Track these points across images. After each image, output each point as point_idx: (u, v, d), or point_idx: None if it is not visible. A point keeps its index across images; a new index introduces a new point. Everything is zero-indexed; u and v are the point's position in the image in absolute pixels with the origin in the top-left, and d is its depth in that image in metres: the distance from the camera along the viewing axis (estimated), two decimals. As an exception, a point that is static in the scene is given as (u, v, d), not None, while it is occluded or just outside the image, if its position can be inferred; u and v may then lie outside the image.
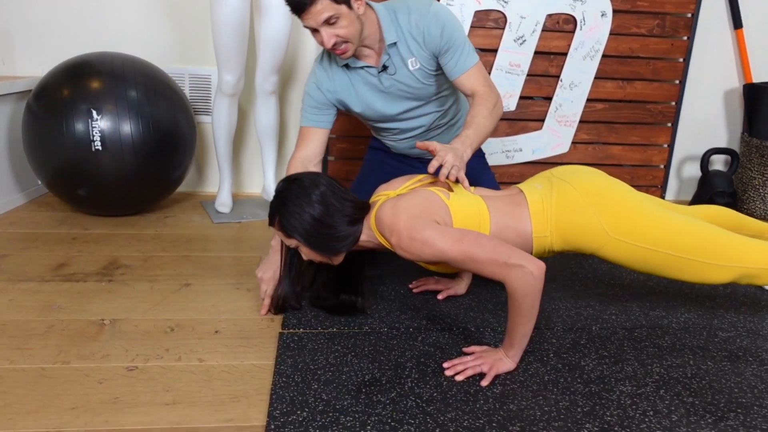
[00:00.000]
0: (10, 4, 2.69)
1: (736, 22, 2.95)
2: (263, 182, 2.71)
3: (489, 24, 2.78)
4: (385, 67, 1.84)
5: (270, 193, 2.68)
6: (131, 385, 1.35)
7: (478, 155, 2.18)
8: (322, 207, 1.51)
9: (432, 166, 1.54)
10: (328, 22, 1.65)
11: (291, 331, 1.62)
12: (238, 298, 1.83)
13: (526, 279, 1.34)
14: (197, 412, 1.27)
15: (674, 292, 1.97)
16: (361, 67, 1.85)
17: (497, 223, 1.54)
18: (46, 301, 1.74)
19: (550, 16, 2.80)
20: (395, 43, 1.81)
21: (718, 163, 3.20)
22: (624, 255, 1.54)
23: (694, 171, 3.18)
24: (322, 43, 1.70)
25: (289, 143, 2.95)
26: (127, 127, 2.28)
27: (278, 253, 1.72)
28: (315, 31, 1.69)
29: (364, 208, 1.58)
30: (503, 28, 2.79)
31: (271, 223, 1.58)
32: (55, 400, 1.29)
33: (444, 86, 1.96)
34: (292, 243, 1.56)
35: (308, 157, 1.89)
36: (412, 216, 1.46)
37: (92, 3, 2.70)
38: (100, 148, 2.25)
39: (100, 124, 2.25)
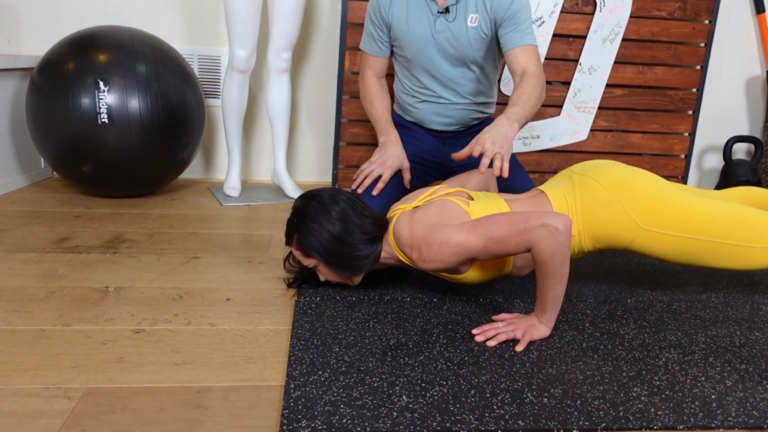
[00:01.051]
0: (16, -19, 2.62)
1: (759, 7, 2.88)
2: (274, 165, 2.62)
3: (506, 5, 2.70)
4: (447, 10, 1.86)
5: (281, 177, 2.58)
6: (137, 347, 1.25)
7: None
8: (342, 224, 1.43)
9: (462, 154, 1.48)
10: None
11: (308, 299, 1.52)
12: (250, 270, 1.73)
13: (551, 236, 1.25)
14: (209, 371, 1.17)
15: (709, 272, 1.87)
16: None
17: None
18: (47, 270, 1.64)
19: (569, -3, 2.73)
20: None
21: (740, 152, 3.11)
22: (658, 246, 1.44)
23: (715, 161, 3.08)
24: None
25: (300, 127, 2.86)
26: (134, 102, 2.19)
27: (395, 143, 1.77)
28: None
29: (384, 225, 1.50)
30: (521, 10, 2.71)
31: (288, 242, 1.50)
32: (54, 359, 1.19)
33: (487, 66, 1.96)
34: (310, 263, 1.48)
35: (378, 75, 2.05)
36: (427, 224, 1.39)
37: (100, -19, 2.64)
38: (106, 121, 2.16)
39: (107, 96, 2.16)
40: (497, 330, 1.34)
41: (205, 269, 1.71)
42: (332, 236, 1.42)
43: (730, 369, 1.26)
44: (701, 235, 1.41)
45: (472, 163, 2.00)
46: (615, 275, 1.80)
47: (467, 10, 1.88)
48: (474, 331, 1.36)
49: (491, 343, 1.31)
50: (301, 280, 1.60)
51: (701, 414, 1.09)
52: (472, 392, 1.12)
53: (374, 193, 1.86)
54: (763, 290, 1.73)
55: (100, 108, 2.15)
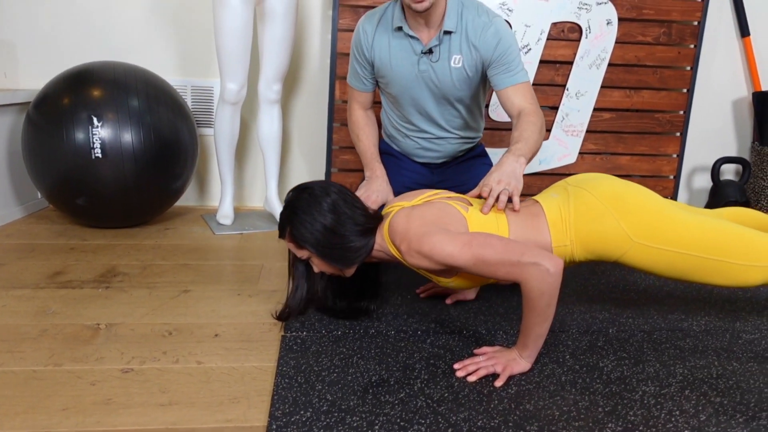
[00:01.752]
0: (14, 16, 2.68)
1: (744, 30, 2.93)
2: (266, 193, 2.66)
3: (494, 33, 2.75)
4: (430, 51, 1.87)
5: (272, 205, 2.62)
6: (125, 387, 1.28)
7: (486, 167, 2.12)
8: (333, 216, 1.45)
9: (472, 194, 1.54)
10: None
11: (294, 334, 1.55)
12: (239, 303, 1.76)
13: (542, 277, 1.28)
14: (195, 412, 1.20)
15: (693, 297, 1.90)
16: (411, 36, 1.88)
17: (516, 237, 1.47)
18: (40, 307, 1.67)
19: (554, 24, 2.78)
20: (451, 33, 1.85)
21: (729, 172, 3.15)
22: (649, 260, 1.46)
23: (704, 181, 3.12)
24: None
25: (292, 154, 2.91)
26: (127, 136, 2.24)
27: (380, 179, 1.79)
28: None
29: (376, 218, 1.53)
30: (508, 37, 2.76)
31: (281, 235, 1.52)
32: (45, 401, 1.22)
33: (472, 102, 2.00)
34: (303, 254, 1.50)
35: (364, 107, 2.09)
36: (425, 222, 1.41)
37: (95, 16, 2.69)
38: (100, 155, 2.21)
39: (101, 131, 2.21)
40: (478, 365, 1.37)
41: (195, 303, 1.75)
42: (324, 228, 1.44)
43: (705, 402, 1.29)
44: (692, 250, 1.43)
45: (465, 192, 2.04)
46: (599, 303, 1.83)
47: (451, 51, 1.88)
48: (455, 366, 1.39)
49: (471, 379, 1.34)
50: (288, 313, 1.62)
51: (673, 450, 1.11)
52: (450, 431, 1.15)
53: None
54: (744, 317, 1.75)
55: (93, 143, 2.20)
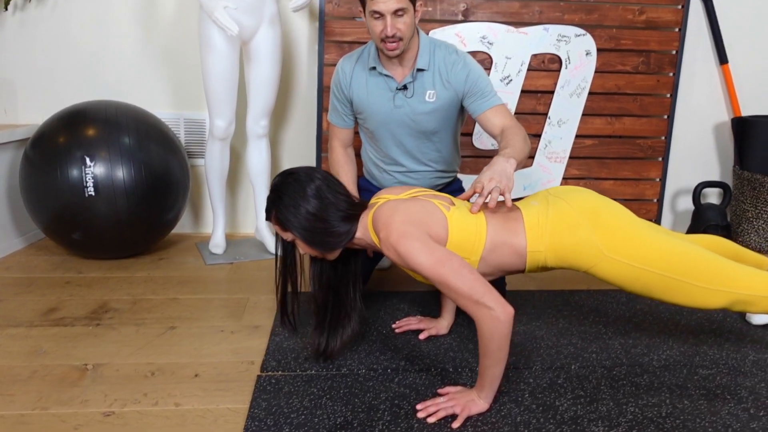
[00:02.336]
0: (13, 54, 2.79)
1: (722, 57, 2.99)
2: (256, 223, 2.75)
3: (476, 65, 2.83)
4: (405, 87, 1.99)
5: (263, 234, 2.72)
6: (106, 431, 1.37)
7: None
8: (317, 201, 1.52)
9: (465, 195, 1.58)
10: (396, 12, 1.84)
11: (269, 373, 1.64)
12: (221, 341, 1.85)
13: (492, 322, 1.36)
14: (167, 457, 1.29)
15: (658, 329, 1.97)
16: (386, 75, 2.00)
17: (493, 239, 1.55)
18: (33, 346, 1.77)
19: (535, 56, 2.86)
20: (424, 70, 1.98)
21: (713, 196, 3.21)
22: (617, 274, 1.52)
23: (688, 204, 3.18)
24: (382, 31, 1.87)
25: (282, 184, 2.99)
26: (119, 173, 2.34)
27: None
28: (380, 17, 1.86)
29: (359, 205, 1.61)
30: (489, 69, 2.84)
31: (267, 218, 1.59)
32: (29, 446, 1.31)
33: (447, 135, 2.09)
34: (288, 237, 1.58)
35: (344, 145, 2.17)
36: (409, 221, 1.47)
37: (91, 53, 2.80)
38: (93, 193, 2.31)
39: (93, 170, 2.31)
40: (438, 406, 1.45)
41: (179, 341, 1.84)
42: (308, 213, 1.51)
43: (650, 443, 1.36)
44: (659, 269, 1.49)
45: None
46: (567, 336, 1.91)
47: (424, 87, 1.99)
48: (418, 407, 1.47)
49: (431, 420, 1.42)
50: (286, 315, 1.70)
51: (611, 493, 1.19)
52: (403, 474, 1.23)
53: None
54: (704, 352, 1.82)
55: (86, 181, 2.30)
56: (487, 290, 1.39)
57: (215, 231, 2.72)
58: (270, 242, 2.69)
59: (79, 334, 1.87)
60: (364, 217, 1.58)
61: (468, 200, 1.63)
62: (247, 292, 2.25)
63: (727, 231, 2.97)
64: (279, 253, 1.66)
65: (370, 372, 1.66)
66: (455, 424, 1.41)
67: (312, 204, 1.52)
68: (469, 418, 1.44)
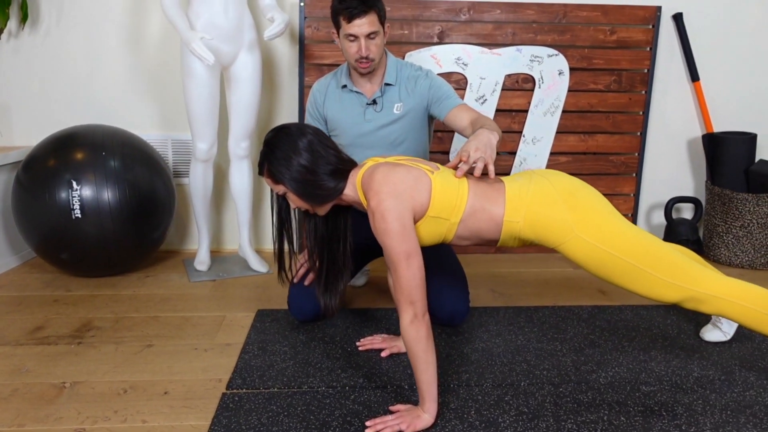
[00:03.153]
0: (8, 78, 2.92)
1: (693, 75, 3.07)
2: (239, 241, 2.86)
3: (451, 85, 2.92)
4: (374, 102, 2.18)
5: (246, 252, 2.83)
6: (75, 447, 1.49)
7: None
8: (308, 154, 1.62)
9: (452, 163, 1.68)
10: (369, 36, 2.05)
11: (234, 391, 1.75)
12: (194, 358, 1.96)
13: (416, 324, 1.51)
14: (128, 472, 1.40)
15: (612, 346, 2.06)
16: (356, 92, 2.20)
17: (473, 205, 1.64)
18: (17, 365, 1.89)
19: (509, 76, 2.95)
20: (391, 85, 2.18)
21: (686, 211, 3.28)
22: (583, 253, 1.61)
23: (661, 219, 3.25)
24: (356, 52, 2.06)
25: (264, 204, 3.11)
26: (105, 195, 2.46)
27: None
28: (353, 39, 2.06)
29: (349, 162, 1.70)
30: (465, 89, 2.94)
31: (260, 172, 1.68)
32: (3, 462, 1.43)
33: (418, 145, 2.24)
34: (279, 189, 1.67)
35: None
36: (396, 193, 1.55)
37: (83, 76, 2.92)
38: (80, 215, 2.43)
39: (81, 193, 2.43)
40: (385, 424, 1.55)
41: (154, 359, 1.95)
42: (299, 165, 1.60)
43: (580, 459, 1.45)
44: (624, 255, 1.59)
45: None
46: (522, 353, 2.00)
47: (392, 100, 2.20)
48: (367, 424, 1.57)
49: (377, 436, 1.53)
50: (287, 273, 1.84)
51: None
52: (343, 489, 1.33)
53: (306, 283, 2.10)
54: (651, 367, 1.91)
55: (73, 204, 2.42)
56: (423, 298, 1.53)
57: (200, 248, 2.83)
58: (253, 260, 2.80)
59: (62, 352, 1.98)
60: (354, 175, 1.68)
61: (454, 168, 1.70)
62: (225, 309, 2.36)
63: (698, 245, 3.05)
64: (274, 209, 1.76)
65: (329, 389, 1.76)
66: (399, 440, 1.51)
67: (303, 157, 1.61)
68: (413, 434, 1.53)
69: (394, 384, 1.80)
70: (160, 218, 2.68)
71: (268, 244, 3.15)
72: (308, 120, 2.31)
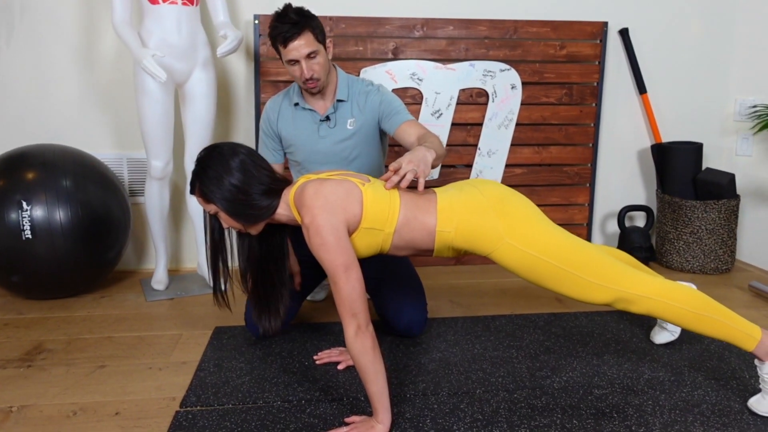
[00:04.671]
0: (-44, 101, 2.87)
1: (641, 88, 3.16)
2: (197, 259, 2.84)
3: (407, 100, 2.97)
4: (327, 118, 2.18)
5: (204, 270, 2.81)
6: (21, 471, 1.45)
7: None
8: (240, 174, 1.61)
9: (384, 176, 1.69)
10: (309, 56, 2.03)
11: (188, 409, 1.72)
12: (148, 377, 1.93)
13: (360, 337, 1.52)
14: (75, 494, 1.37)
15: (566, 352, 2.09)
16: (309, 110, 2.20)
17: (405, 214, 1.66)
18: (-38, 390, 1.84)
19: (463, 90, 3.01)
20: (343, 101, 2.18)
21: (639, 219, 3.36)
22: (514, 259, 1.64)
23: (615, 227, 3.33)
24: (300, 75, 2.07)
25: (224, 219, 3.08)
26: (56, 215, 2.42)
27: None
28: (294, 63, 2.06)
29: (282, 181, 1.70)
30: (420, 104, 2.98)
31: (192, 191, 1.67)
32: (-56, 489, 1.38)
33: (372, 160, 2.26)
34: (211, 209, 1.66)
35: None
36: (328, 206, 1.56)
37: (34, 96, 2.88)
38: (30, 236, 2.39)
39: (31, 213, 2.39)
40: (340, 435, 1.55)
41: (106, 380, 1.91)
42: (231, 185, 1.59)
43: (532, 462, 1.47)
44: (552, 259, 1.62)
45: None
46: (478, 362, 2.02)
47: (345, 116, 2.20)
48: (322, 436, 1.57)
49: (331, 448, 1.52)
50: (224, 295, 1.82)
51: None
52: (296, 502, 1.32)
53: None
54: (604, 371, 1.94)
55: (23, 225, 2.38)
56: (365, 310, 1.54)
57: (157, 268, 2.79)
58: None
59: (10, 376, 1.93)
60: (287, 194, 1.68)
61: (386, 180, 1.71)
62: (182, 328, 2.33)
63: (650, 252, 3.13)
64: (207, 230, 1.75)
65: (285, 404, 1.75)
66: (354, 452, 1.51)
67: (235, 177, 1.60)
68: (368, 445, 1.53)
69: (350, 396, 1.80)
70: (115, 238, 2.64)
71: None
72: (262, 138, 2.31)
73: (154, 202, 2.69)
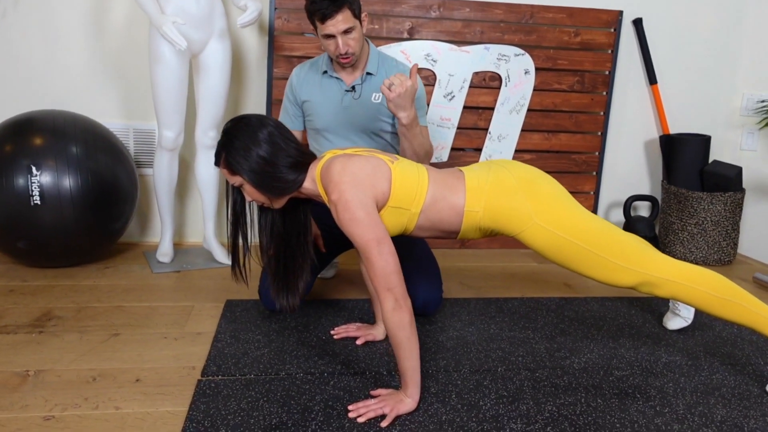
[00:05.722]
0: (-42, 63, 2.79)
1: (651, 78, 3.18)
2: (204, 233, 2.80)
3: (421, 80, 2.94)
4: (353, 89, 2.17)
5: (211, 244, 2.77)
6: (45, 434, 1.42)
7: None
8: (268, 146, 1.57)
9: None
10: (345, 32, 2.01)
11: (210, 378, 1.70)
12: (164, 347, 1.90)
13: (398, 312, 1.49)
14: (105, 458, 1.34)
15: (581, 335, 2.10)
16: (336, 78, 2.18)
17: (434, 194, 1.65)
18: (-26, 354, 1.80)
19: (476, 73, 2.99)
20: (372, 74, 2.17)
21: (643, 209, 3.39)
22: (543, 240, 1.64)
23: (619, 216, 3.35)
24: (336, 49, 2.05)
25: (231, 194, 3.05)
26: (66, 182, 2.37)
27: None
28: (331, 37, 2.04)
29: (309, 155, 1.67)
30: (433, 85, 2.96)
31: (216, 162, 1.63)
32: (-32, 449, 1.35)
33: (391, 136, 2.24)
34: (236, 181, 1.62)
35: None
36: (356, 183, 1.54)
37: (40, 61, 2.81)
38: (39, 202, 2.33)
39: (40, 179, 2.33)
40: (368, 407, 1.54)
41: (122, 347, 1.88)
42: (258, 156, 1.56)
43: (562, 438, 1.48)
44: (581, 241, 1.63)
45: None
46: (496, 341, 2.02)
47: (372, 90, 2.18)
48: (349, 408, 1.55)
49: (360, 420, 1.51)
50: (243, 270, 1.77)
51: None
52: (331, 470, 1.31)
53: None
54: (621, 355, 1.96)
55: (32, 190, 2.32)
56: (400, 284, 1.51)
57: (163, 240, 2.75)
58: (218, 251, 2.75)
59: (22, 341, 1.89)
60: (313, 168, 1.65)
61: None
62: (193, 300, 2.30)
63: (655, 242, 3.15)
64: (229, 203, 1.71)
65: (308, 375, 1.74)
66: (384, 423, 1.50)
67: (263, 148, 1.57)
68: (397, 418, 1.53)
69: (373, 370, 1.79)
70: (122, 208, 2.59)
71: (233, 238, 3.09)
72: (285, 104, 2.30)
73: (163, 173, 2.64)
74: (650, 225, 3.16)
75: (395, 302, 1.49)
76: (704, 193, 3.00)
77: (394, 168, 1.63)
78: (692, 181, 3.08)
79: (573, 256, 1.65)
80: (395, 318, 1.49)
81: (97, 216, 2.47)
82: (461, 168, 1.75)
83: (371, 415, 1.52)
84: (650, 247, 1.71)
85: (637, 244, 1.68)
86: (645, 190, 3.35)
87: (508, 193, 1.65)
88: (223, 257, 2.73)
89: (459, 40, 2.96)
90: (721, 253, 3.05)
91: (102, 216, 2.49)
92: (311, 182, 1.65)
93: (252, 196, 1.64)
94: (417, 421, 1.52)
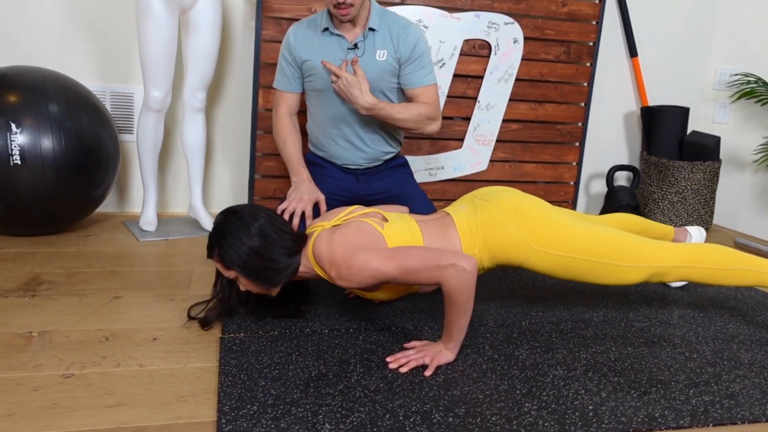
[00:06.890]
0: None
1: (632, 51, 3.23)
2: (190, 200, 2.68)
3: (410, 47, 2.90)
4: (356, 46, 2.08)
5: (197, 211, 2.65)
6: (69, 392, 1.31)
7: (407, 175, 2.29)
8: (261, 240, 1.52)
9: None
10: None
11: (232, 335, 1.62)
12: (174, 308, 1.80)
13: (459, 276, 1.42)
14: (143, 411, 1.25)
15: (593, 292, 2.11)
16: (337, 35, 2.08)
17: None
18: (-35, 317, 1.65)
19: (467, 41, 2.97)
20: (375, 30, 2.08)
21: (622, 179, 3.45)
22: (547, 264, 1.65)
23: (600, 187, 3.41)
24: None
25: (215, 161, 2.93)
26: (48, 142, 2.21)
27: (306, 181, 1.94)
28: None
29: (302, 240, 1.61)
30: (424, 52, 2.92)
31: (209, 256, 1.58)
32: (-13, 408, 1.23)
33: (393, 97, 2.17)
34: (230, 274, 1.57)
35: (290, 111, 2.21)
36: (347, 245, 1.50)
37: (10, 16, 2.61)
38: (19, 162, 2.17)
39: (19, 138, 2.17)
40: (408, 357, 1.49)
41: (128, 309, 1.77)
42: (251, 251, 1.51)
43: (605, 382, 1.47)
44: (583, 255, 1.63)
45: (388, 198, 2.18)
46: (512, 299, 2.01)
47: (375, 47, 2.09)
48: (388, 359, 1.50)
49: (403, 370, 1.46)
50: (214, 317, 1.67)
51: (580, 423, 1.28)
52: (387, 416, 1.26)
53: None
54: (636, 308, 1.98)
55: (12, 150, 2.15)
56: (442, 253, 1.46)
57: (146, 208, 2.61)
58: (205, 219, 2.63)
59: (15, 304, 1.75)
60: (305, 249, 1.60)
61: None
62: (189, 264, 2.20)
63: (636, 211, 3.21)
64: (217, 287, 1.66)
65: (334, 332, 1.67)
66: (427, 372, 1.45)
67: (256, 242, 1.52)
68: (438, 367, 1.49)
69: (398, 326, 1.74)
70: (105, 173, 2.44)
71: (218, 207, 2.97)
72: (281, 64, 2.18)
73: (149, 135, 2.51)
74: (632, 194, 3.22)
75: (451, 268, 1.43)
76: (684, 162, 3.08)
77: (385, 232, 1.59)
78: (672, 152, 3.16)
79: (580, 270, 1.66)
80: (455, 283, 1.43)
81: (79, 180, 2.31)
82: (447, 211, 1.73)
83: (413, 364, 1.48)
84: (643, 238, 1.73)
85: (632, 239, 1.69)
86: (625, 161, 3.41)
87: (499, 227, 1.64)
88: (210, 225, 2.62)
89: (450, 6, 2.93)
90: (700, 220, 3.14)
91: (84, 181, 2.34)
92: (306, 263, 1.60)
93: (247, 287, 1.59)
94: (459, 370, 1.49)
